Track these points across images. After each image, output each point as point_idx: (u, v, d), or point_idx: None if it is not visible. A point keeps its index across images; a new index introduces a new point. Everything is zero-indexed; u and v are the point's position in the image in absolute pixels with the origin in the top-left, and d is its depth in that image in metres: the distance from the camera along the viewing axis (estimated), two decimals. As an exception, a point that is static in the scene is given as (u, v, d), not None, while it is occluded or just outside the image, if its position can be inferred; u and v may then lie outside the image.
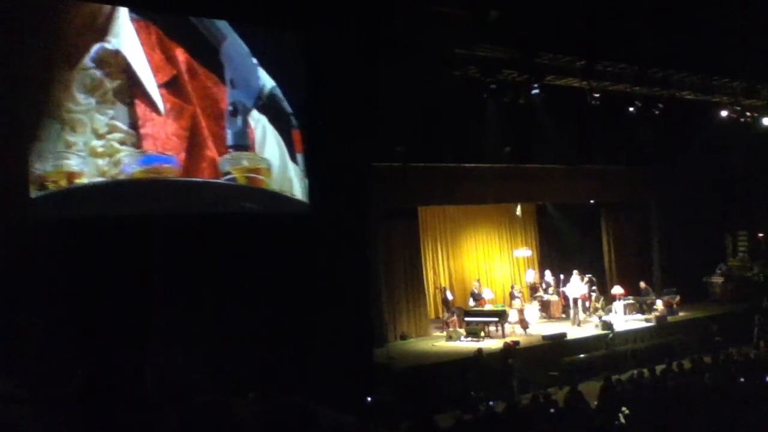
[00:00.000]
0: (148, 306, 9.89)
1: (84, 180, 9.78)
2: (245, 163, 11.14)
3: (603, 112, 15.42)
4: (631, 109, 16.19)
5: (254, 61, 11.27)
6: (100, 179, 9.88)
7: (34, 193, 9.41)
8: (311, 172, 11.88)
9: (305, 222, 11.77)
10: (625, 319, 16.30)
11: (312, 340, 11.27)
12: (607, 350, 14.25)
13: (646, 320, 16.14)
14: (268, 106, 11.41)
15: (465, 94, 13.99)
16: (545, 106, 14.99)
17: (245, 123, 11.16)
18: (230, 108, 11.01)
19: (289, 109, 11.64)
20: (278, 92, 11.50)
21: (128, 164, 10.03)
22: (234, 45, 11.08)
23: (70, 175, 9.67)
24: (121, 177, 10.04)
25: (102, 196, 9.96)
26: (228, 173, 10.95)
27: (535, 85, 14.55)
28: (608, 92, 15.71)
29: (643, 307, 16.90)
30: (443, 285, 17.11)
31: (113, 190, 10.05)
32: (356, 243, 12.51)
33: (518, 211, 18.89)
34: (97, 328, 9.15)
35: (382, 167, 13.93)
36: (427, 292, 16.58)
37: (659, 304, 16.56)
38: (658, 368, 11.19)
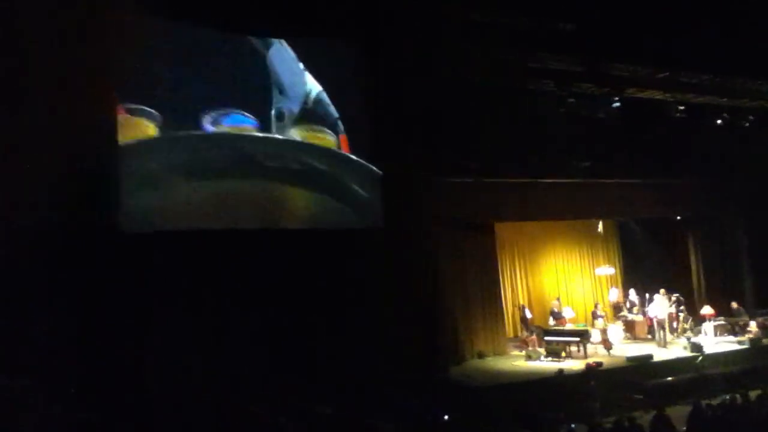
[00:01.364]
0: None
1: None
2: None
3: (687, 124, 14.88)
4: (718, 121, 15.58)
5: (301, 66, 11.55)
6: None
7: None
8: (383, 187, 11.95)
9: (375, 237, 11.82)
10: (715, 341, 15.51)
11: (386, 357, 11.26)
12: (696, 373, 13.60)
13: (739, 342, 15.31)
14: (313, 110, 11.65)
15: (540, 107, 13.77)
16: (625, 118, 14.57)
17: (290, 128, 11.55)
18: (275, 113, 11.34)
19: (336, 114, 11.82)
20: (324, 97, 11.73)
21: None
22: (280, 51, 11.42)
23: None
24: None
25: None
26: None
27: (615, 98, 14.23)
28: (693, 104, 15.18)
29: (735, 329, 16.04)
30: (521, 303, 16.80)
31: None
32: (426, 258, 12.46)
33: (600, 227, 18.41)
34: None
35: (454, 182, 13.84)
36: (504, 310, 16.31)
37: (753, 326, 15.70)
38: (752, 393, 10.58)
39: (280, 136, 11.23)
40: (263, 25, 11.08)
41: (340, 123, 11.86)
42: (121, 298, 9.59)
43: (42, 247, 8.79)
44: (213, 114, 10.65)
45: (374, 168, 11.90)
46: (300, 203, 11.48)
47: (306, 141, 11.57)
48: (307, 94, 11.59)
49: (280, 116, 11.27)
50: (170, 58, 10.47)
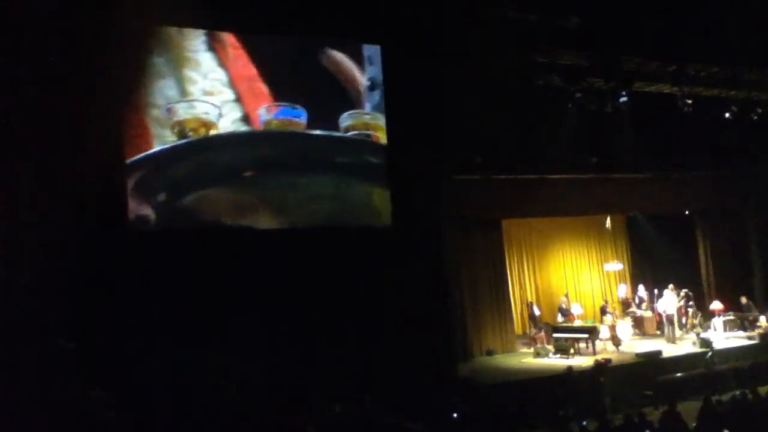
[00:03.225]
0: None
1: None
2: (366, 118, 11.97)
3: (695, 117, 14.75)
4: (727, 115, 15.44)
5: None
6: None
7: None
8: (391, 186, 11.97)
9: (384, 234, 11.81)
10: (725, 336, 15.43)
11: (394, 354, 11.23)
12: (706, 369, 13.50)
13: (749, 337, 15.21)
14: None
15: (547, 102, 13.68)
16: (633, 113, 14.46)
17: (381, 96, 12.05)
18: (368, 83, 11.95)
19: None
20: None
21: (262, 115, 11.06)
22: None
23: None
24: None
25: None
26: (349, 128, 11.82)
27: (623, 92, 14.10)
28: (701, 97, 15.04)
29: (744, 324, 15.95)
30: (530, 300, 16.73)
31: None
32: (435, 256, 12.43)
33: (608, 223, 18.29)
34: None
35: (461, 179, 13.78)
36: (513, 307, 16.25)
37: (762, 321, 15.55)
38: (762, 389, 10.53)
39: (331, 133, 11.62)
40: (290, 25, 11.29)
41: None
42: (137, 298, 9.67)
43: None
44: (264, 108, 11.03)
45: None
46: (367, 199, 12.00)
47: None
48: None
49: (372, 86, 12.03)
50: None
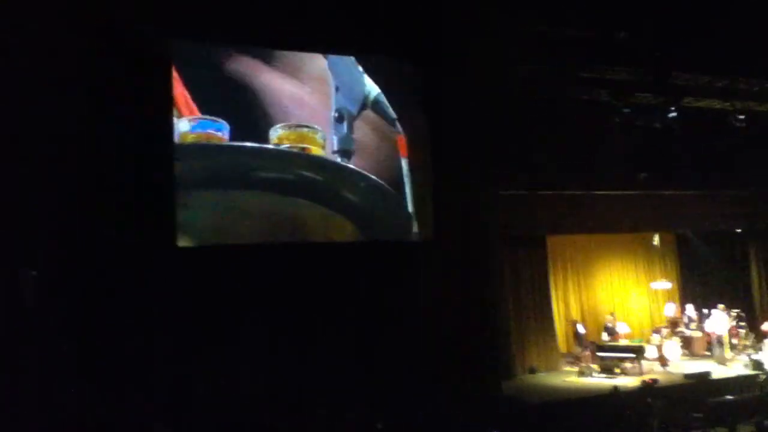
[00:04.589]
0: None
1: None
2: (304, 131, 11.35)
3: (747, 133, 14.42)
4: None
5: (360, 69, 11.78)
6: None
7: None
8: (435, 200, 11.93)
9: (429, 249, 11.81)
10: (778, 358, 15.00)
11: (439, 371, 11.19)
12: (759, 392, 13.10)
13: (803, 360, 14.75)
14: (372, 111, 11.80)
15: (595, 118, 13.55)
16: (683, 128, 14.21)
17: (350, 129, 11.53)
18: (335, 114, 11.42)
19: (393, 115, 11.91)
20: (383, 98, 11.84)
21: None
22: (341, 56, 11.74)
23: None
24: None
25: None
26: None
27: (672, 108, 13.88)
28: (753, 112, 14.71)
29: (798, 346, 15.49)
30: (574, 318, 16.49)
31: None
32: (480, 271, 12.37)
33: (656, 240, 17.95)
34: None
35: (507, 195, 13.71)
36: (557, 325, 16.03)
37: (817, 343, 15.11)
38: (816, 414, 10.20)
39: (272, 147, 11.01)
40: (321, 42, 11.31)
41: (398, 124, 11.96)
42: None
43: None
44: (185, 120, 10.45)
45: (371, 176, 11.65)
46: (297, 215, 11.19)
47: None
48: (366, 96, 11.76)
49: (340, 117, 11.39)
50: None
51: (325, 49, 11.41)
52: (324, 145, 11.33)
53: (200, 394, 9.79)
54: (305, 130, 11.22)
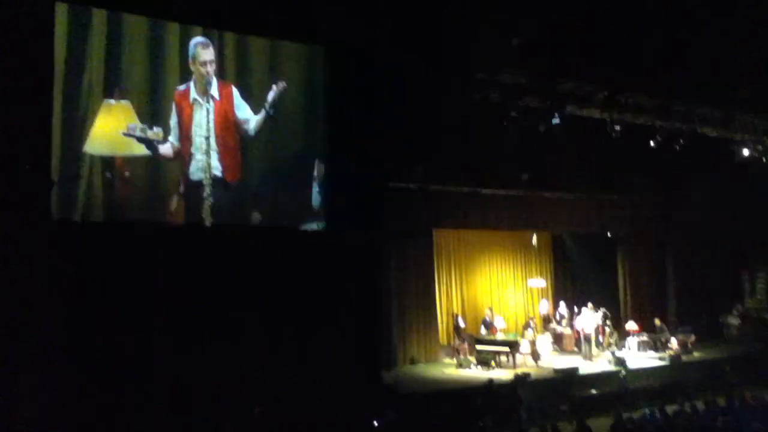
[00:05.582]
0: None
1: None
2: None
3: (623, 143, 15.22)
4: (651, 143, 15.96)
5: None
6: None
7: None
8: (327, 189, 11.88)
9: (320, 238, 11.75)
10: (638, 356, 16.00)
11: (320, 359, 11.17)
12: (619, 387, 13.95)
13: (660, 358, 15.81)
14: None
15: (485, 117, 13.88)
16: (565, 134, 14.81)
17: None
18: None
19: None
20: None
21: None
22: None
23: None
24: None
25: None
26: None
27: (556, 114, 14.40)
28: (629, 124, 15.52)
29: (657, 345, 16.58)
30: (455, 311, 16.90)
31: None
32: (370, 263, 12.43)
33: (534, 240, 18.69)
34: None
35: (398, 187, 13.84)
36: (439, 317, 16.37)
37: (674, 343, 16.24)
38: (670, 408, 10.93)
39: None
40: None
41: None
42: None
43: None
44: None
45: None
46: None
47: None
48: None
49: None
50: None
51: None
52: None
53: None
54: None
